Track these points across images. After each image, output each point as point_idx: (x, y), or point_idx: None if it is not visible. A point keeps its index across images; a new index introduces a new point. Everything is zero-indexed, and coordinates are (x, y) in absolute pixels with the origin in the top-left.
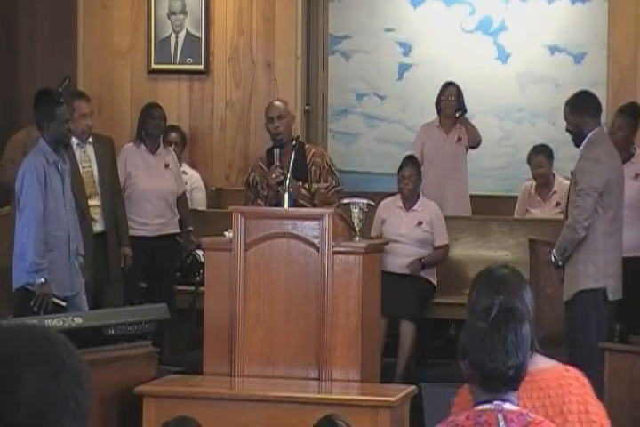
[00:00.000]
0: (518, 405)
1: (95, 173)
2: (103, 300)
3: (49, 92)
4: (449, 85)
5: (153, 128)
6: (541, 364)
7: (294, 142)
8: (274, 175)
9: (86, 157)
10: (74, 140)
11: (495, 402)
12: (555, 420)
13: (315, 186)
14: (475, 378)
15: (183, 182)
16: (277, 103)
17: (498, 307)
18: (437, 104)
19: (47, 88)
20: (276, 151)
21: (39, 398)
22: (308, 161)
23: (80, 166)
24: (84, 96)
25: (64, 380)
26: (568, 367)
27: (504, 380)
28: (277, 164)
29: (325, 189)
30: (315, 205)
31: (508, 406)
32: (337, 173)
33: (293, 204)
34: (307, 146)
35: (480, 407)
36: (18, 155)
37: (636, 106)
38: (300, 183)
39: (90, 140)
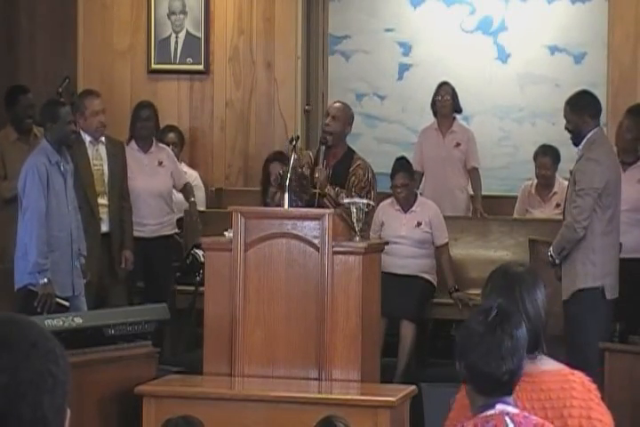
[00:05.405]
0: (516, 406)
1: (106, 172)
2: (108, 300)
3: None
4: (443, 85)
5: (139, 129)
6: (545, 366)
7: (293, 143)
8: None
9: (98, 156)
10: (86, 138)
11: (498, 406)
12: (554, 422)
13: (338, 191)
14: (469, 380)
15: (182, 174)
16: (337, 104)
17: (496, 310)
18: (433, 105)
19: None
20: (322, 149)
21: (13, 381)
22: (350, 169)
23: (92, 164)
24: (96, 93)
25: (37, 359)
26: (574, 371)
27: (498, 384)
28: (321, 165)
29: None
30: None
31: (511, 409)
32: (373, 192)
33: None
34: (355, 156)
35: (485, 414)
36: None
37: None
38: (336, 189)
39: (103, 139)
